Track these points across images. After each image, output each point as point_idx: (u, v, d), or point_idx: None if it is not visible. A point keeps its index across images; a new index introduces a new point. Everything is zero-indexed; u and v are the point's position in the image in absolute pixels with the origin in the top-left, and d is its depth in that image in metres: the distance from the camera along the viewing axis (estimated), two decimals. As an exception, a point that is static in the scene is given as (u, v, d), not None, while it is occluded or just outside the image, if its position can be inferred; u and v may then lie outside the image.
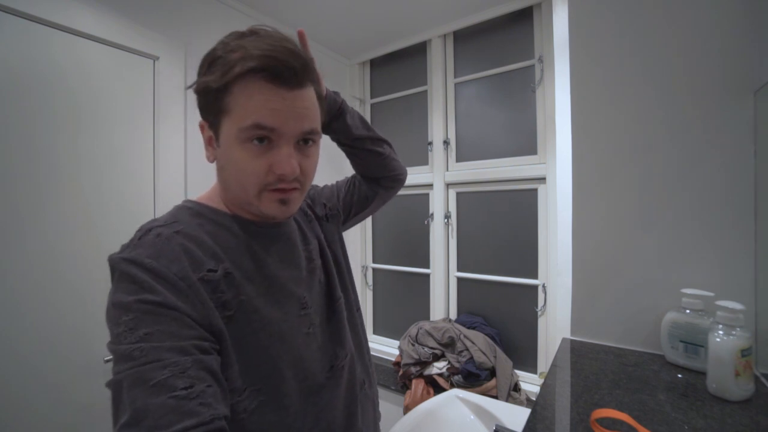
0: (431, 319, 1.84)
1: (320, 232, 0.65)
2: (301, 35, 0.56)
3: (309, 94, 0.47)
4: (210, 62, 0.46)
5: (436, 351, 1.54)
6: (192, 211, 0.51)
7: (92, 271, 1.11)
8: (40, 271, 1.01)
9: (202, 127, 0.51)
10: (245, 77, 0.43)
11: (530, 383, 1.53)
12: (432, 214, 1.88)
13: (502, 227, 1.69)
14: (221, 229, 0.50)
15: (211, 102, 0.46)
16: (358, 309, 0.67)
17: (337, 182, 0.79)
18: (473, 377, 1.41)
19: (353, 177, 0.79)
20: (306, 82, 0.46)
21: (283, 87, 0.44)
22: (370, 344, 2.05)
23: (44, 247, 1.02)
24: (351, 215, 0.76)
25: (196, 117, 1.63)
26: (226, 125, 0.45)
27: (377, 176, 0.77)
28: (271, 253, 0.53)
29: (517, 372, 1.55)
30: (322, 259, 0.62)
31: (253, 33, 0.46)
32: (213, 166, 0.55)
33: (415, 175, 1.93)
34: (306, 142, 0.49)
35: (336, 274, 0.63)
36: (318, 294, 0.58)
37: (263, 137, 0.45)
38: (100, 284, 1.12)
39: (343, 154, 0.76)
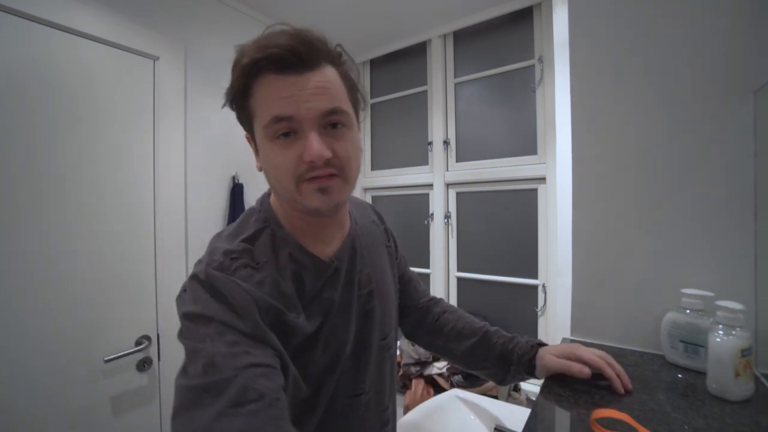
0: (431, 319, 1.84)
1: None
2: None
3: (325, 73, 0.46)
4: (232, 72, 0.47)
5: (436, 351, 1.54)
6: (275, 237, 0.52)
7: (91, 272, 1.11)
8: (39, 272, 1.01)
9: (248, 140, 0.52)
10: (258, 77, 0.44)
11: (530, 383, 1.53)
12: (432, 214, 1.88)
13: (502, 227, 1.69)
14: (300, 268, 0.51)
15: (240, 111, 0.48)
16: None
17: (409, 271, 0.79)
18: (473, 377, 1.41)
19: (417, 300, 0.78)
20: (317, 62, 0.45)
21: (291, 73, 0.44)
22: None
23: (43, 247, 1.02)
24: None
25: (196, 117, 1.62)
26: (257, 129, 0.47)
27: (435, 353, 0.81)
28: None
29: (517, 372, 1.55)
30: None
31: (267, 30, 0.46)
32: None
33: (415, 175, 1.93)
34: (334, 126, 0.46)
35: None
36: None
37: (288, 131, 0.44)
38: (99, 285, 1.13)
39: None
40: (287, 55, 0.43)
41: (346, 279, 0.55)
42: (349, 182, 0.49)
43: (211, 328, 0.41)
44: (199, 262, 0.48)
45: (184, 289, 0.46)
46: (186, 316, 0.43)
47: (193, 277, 0.45)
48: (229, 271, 0.44)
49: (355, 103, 0.52)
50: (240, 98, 0.46)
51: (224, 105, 0.49)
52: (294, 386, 0.46)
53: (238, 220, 0.54)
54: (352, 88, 0.51)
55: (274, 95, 0.44)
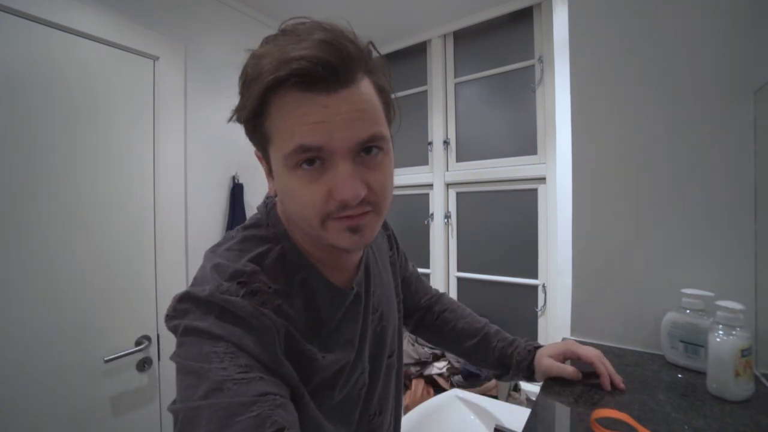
0: (431, 319, 1.84)
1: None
2: None
3: (361, 90, 0.37)
4: (242, 86, 0.39)
5: (436, 351, 1.54)
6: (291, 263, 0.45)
7: (91, 273, 1.11)
8: (38, 272, 1.01)
9: (259, 159, 0.45)
10: (278, 93, 0.36)
11: (530, 383, 1.53)
12: (432, 214, 1.88)
13: (502, 227, 1.69)
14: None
15: (253, 131, 0.40)
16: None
17: (412, 269, 0.78)
18: (473, 377, 1.42)
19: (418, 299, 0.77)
20: (353, 76, 0.36)
21: (322, 92, 0.35)
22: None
23: (42, 247, 1.02)
24: None
25: (196, 117, 1.62)
26: (273, 154, 0.39)
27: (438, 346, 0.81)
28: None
29: (517, 372, 1.55)
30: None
31: (283, 33, 0.37)
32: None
33: (415, 175, 1.93)
34: (368, 151, 0.38)
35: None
36: None
37: (313, 159, 0.36)
38: (98, 285, 1.13)
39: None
40: (316, 70, 0.34)
41: (365, 306, 0.51)
42: (382, 216, 0.42)
43: (221, 347, 0.35)
44: (199, 282, 0.41)
45: (181, 310, 0.38)
46: (187, 331, 0.36)
47: (191, 297, 0.38)
48: (239, 296, 0.38)
49: (390, 120, 0.43)
50: (253, 118, 0.38)
51: (230, 120, 0.41)
52: (309, 427, 0.41)
53: (238, 235, 0.46)
54: (388, 103, 0.42)
55: (300, 120, 0.35)
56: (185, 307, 0.38)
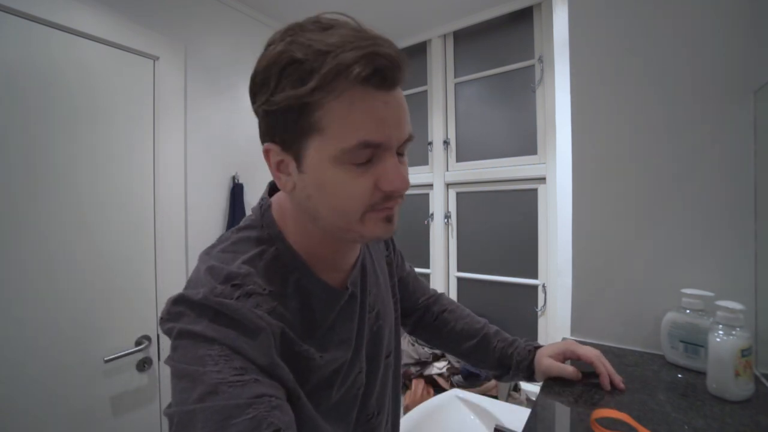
0: (431, 319, 1.84)
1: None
2: None
3: (401, 92, 0.40)
4: (283, 68, 0.36)
5: (436, 351, 1.54)
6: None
7: (91, 273, 1.11)
8: (38, 272, 1.01)
9: (267, 152, 0.41)
10: (341, 84, 0.35)
11: (530, 383, 1.53)
12: (432, 214, 1.88)
13: (502, 227, 1.69)
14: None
15: (293, 120, 0.37)
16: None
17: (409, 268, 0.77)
18: (473, 377, 1.42)
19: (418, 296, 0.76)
20: (402, 79, 0.39)
21: (382, 89, 0.36)
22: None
23: (43, 248, 1.02)
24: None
25: (196, 117, 1.61)
26: (317, 145, 0.37)
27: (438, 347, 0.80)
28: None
29: (517, 372, 1.55)
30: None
31: (323, 25, 0.38)
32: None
33: (415, 175, 1.93)
34: (402, 148, 0.41)
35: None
36: None
37: (368, 158, 0.38)
38: (98, 285, 1.13)
39: None
40: (391, 70, 0.36)
41: (360, 305, 0.51)
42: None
43: (215, 350, 0.35)
44: (193, 285, 0.40)
45: (175, 313, 0.38)
46: (181, 335, 0.36)
47: (185, 300, 0.38)
48: (233, 298, 0.38)
49: None
50: (301, 107, 0.36)
51: (261, 105, 0.38)
52: (306, 428, 0.41)
53: (233, 237, 0.45)
54: None
55: (365, 116, 0.36)
56: (179, 310, 0.38)
